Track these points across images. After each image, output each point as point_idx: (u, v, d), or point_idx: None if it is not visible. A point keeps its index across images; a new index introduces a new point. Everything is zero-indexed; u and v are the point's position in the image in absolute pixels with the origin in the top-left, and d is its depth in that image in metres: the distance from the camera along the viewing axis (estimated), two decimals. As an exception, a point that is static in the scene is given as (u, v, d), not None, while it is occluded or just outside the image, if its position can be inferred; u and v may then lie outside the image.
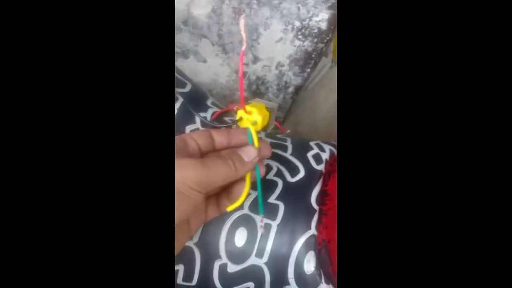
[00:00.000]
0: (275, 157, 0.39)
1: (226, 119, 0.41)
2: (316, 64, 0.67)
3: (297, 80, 0.69)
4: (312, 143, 0.41)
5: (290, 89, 0.71)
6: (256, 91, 0.72)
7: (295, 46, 0.63)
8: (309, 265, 0.34)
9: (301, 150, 0.40)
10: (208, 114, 0.40)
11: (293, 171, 0.38)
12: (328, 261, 0.35)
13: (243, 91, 0.33)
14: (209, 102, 0.42)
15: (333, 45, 0.76)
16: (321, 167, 0.39)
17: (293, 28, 0.59)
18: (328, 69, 0.77)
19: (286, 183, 0.36)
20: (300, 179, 0.37)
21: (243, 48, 0.29)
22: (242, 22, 0.27)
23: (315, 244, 0.35)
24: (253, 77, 0.68)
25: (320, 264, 0.35)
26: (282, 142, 0.41)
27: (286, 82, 0.70)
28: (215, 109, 0.41)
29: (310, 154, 0.39)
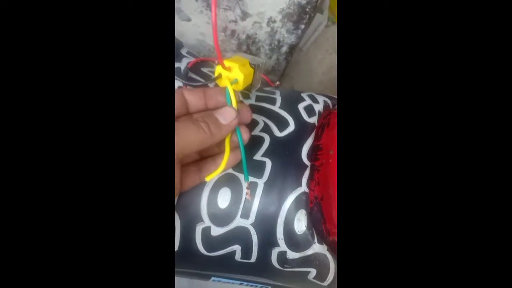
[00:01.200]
0: (262, 111, 0.35)
1: (205, 70, 0.37)
2: (310, 19, 0.62)
3: (291, 39, 0.64)
4: (304, 94, 0.38)
5: (284, 49, 0.66)
6: (247, 51, 0.67)
7: (287, -2, 0.58)
8: (300, 225, 0.31)
9: (291, 102, 0.36)
10: (183, 65, 0.36)
11: (282, 125, 0.34)
12: (321, 219, 0.32)
13: (218, 44, 0.28)
14: (184, 51, 0.38)
15: (329, 0, 0.71)
16: (313, 120, 0.35)
17: (283, -22, 0.54)
18: (323, 27, 0.72)
19: (273, 138, 0.33)
20: (290, 133, 0.33)
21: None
22: None
23: (307, 202, 0.31)
24: (243, 36, 0.63)
25: (312, 223, 0.32)
26: (270, 95, 0.37)
27: (279, 41, 0.65)
28: (191, 59, 0.37)
29: (301, 106, 0.36)
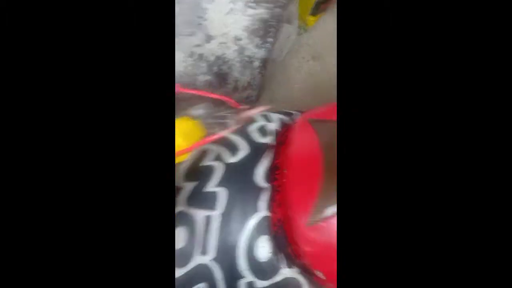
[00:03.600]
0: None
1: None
2: (277, 31, 0.62)
3: (260, 53, 0.64)
4: (256, 115, 0.36)
5: (256, 63, 0.66)
6: (218, 72, 0.67)
7: (249, 15, 0.58)
8: (264, 251, 0.30)
9: (243, 125, 0.35)
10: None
11: (234, 150, 0.33)
12: (286, 242, 0.31)
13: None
14: None
15: (297, 10, 0.71)
16: (267, 140, 0.34)
17: (241, -4, 0.54)
18: (295, 36, 0.71)
19: (226, 165, 0.32)
20: (243, 158, 0.32)
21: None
22: None
23: (269, 227, 0.30)
24: (212, 58, 0.63)
25: (278, 247, 0.30)
26: (222, 120, 0.36)
27: (249, 57, 0.65)
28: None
29: (253, 128, 0.35)
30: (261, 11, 0.57)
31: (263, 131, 0.35)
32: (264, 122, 0.36)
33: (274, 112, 0.37)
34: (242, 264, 0.30)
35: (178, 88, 0.33)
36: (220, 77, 0.67)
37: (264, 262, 0.30)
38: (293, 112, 0.39)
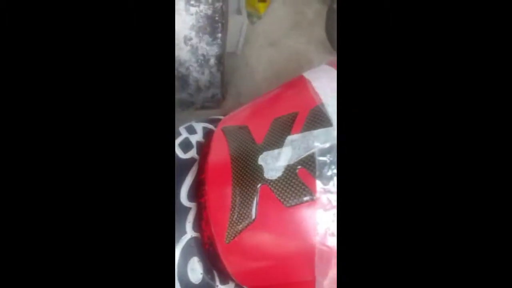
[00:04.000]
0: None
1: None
2: (224, 26, 0.60)
3: (214, 50, 0.62)
4: (181, 128, 0.35)
5: (212, 61, 0.64)
6: (178, 75, 0.66)
7: (192, 14, 0.56)
8: (195, 274, 0.29)
9: (165, 142, 0.33)
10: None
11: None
12: (219, 259, 0.30)
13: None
14: None
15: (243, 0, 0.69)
16: (190, 154, 0.32)
17: (179, -4, 0.52)
18: (247, 26, 0.69)
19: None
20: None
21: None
22: None
23: (198, 247, 0.29)
24: (166, 62, 0.61)
25: (212, 264, 0.29)
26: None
27: (204, 55, 0.63)
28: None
29: (176, 143, 0.33)
30: (203, 8, 0.55)
31: (186, 145, 0.33)
32: (187, 135, 0.34)
33: (200, 122, 0.36)
34: (176, 290, 0.29)
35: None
36: (181, 79, 0.66)
37: (197, 284, 0.29)
38: (221, 117, 0.37)
